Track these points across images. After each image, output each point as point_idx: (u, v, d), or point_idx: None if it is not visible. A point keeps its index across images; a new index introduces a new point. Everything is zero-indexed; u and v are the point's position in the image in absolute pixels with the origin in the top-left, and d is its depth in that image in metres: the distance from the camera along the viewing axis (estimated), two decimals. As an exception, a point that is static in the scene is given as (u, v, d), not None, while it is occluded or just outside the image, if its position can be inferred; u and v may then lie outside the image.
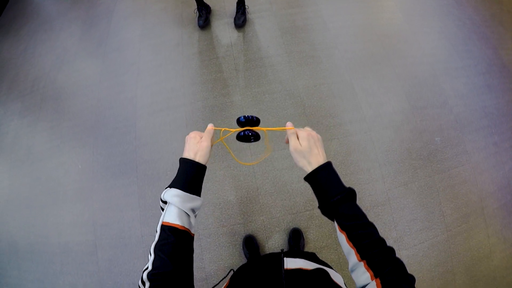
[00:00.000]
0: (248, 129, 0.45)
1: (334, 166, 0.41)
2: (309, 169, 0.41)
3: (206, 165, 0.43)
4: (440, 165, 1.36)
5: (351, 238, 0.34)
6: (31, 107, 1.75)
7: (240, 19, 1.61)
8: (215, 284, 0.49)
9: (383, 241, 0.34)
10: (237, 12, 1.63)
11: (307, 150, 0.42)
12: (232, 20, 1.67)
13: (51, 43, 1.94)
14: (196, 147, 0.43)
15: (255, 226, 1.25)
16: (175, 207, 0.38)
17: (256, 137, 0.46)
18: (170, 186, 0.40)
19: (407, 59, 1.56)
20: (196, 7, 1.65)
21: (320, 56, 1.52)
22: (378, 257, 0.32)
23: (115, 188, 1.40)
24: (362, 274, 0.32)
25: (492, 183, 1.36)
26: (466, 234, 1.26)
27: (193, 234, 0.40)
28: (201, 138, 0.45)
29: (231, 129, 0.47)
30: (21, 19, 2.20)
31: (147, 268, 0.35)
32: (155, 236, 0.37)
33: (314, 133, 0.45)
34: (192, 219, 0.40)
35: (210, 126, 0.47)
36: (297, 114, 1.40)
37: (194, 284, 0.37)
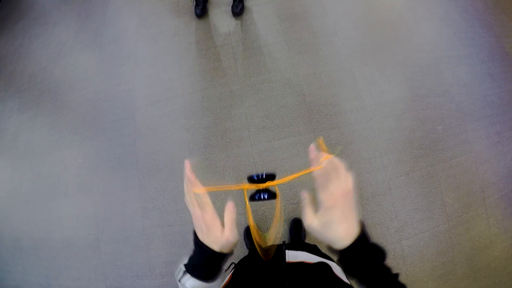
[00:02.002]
0: (264, 191, 0.37)
1: (366, 230, 0.32)
2: (339, 245, 0.31)
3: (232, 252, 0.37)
4: (442, 154, 1.34)
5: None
6: (29, 102, 1.74)
7: (238, 7, 1.57)
8: None
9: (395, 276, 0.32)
10: (234, 0, 1.60)
11: (333, 219, 0.31)
12: (230, 8, 1.64)
13: (46, 37, 1.92)
14: (220, 241, 0.34)
15: (256, 216, 1.25)
16: None
17: (272, 197, 0.38)
18: (188, 269, 0.35)
19: (409, 46, 1.53)
20: (192, -4, 1.62)
21: (320, 44, 1.49)
22: None
23: (116, 181, 1.40)
24: None
25: (493, 173, 1.35)
26: (467, 224, 1.26)
27: None
28: (221, 224, 0.35)
29: (243, 187, 0.37)
30: (16, 14, 2.16)
31: None
32: None
33: (343, 183, 0.32)
34: None
35: (231, 212, 0.36)
36: (297, 102, 1.38)
37: None
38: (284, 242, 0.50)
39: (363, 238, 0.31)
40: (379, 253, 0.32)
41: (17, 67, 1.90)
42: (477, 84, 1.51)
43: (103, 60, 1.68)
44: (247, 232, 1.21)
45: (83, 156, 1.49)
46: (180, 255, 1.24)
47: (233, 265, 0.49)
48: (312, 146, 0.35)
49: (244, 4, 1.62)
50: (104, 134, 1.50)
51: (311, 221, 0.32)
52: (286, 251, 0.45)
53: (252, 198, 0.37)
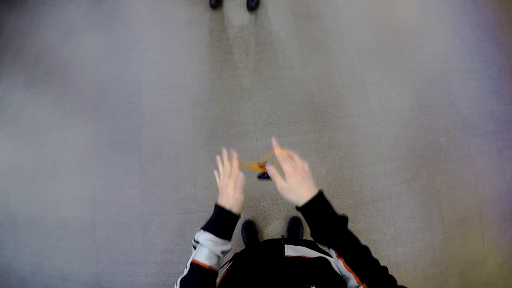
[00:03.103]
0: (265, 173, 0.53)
1: (325, 194, 0.42)
2: (302, 202, 0.40)
3: (239, 215, 0.47)
4: (443, 166, 1.35)
5: (349, 263, 0.36)
6: (35, 79, 1.73)
7: (253, 1, 1.56)
8: None
9: (377, 262, 0.37)
10: (250, -7, 1.59)
11: (295, 186, 0.41)
12: (245, 1, 1.63)
13: (57, 15, 1.90)
14: (232, 201, 0.46)
15: (255, 211, 1.25)
16: (207, 249, 0.42)
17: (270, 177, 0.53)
18: (204, 228, 0.44)
19: (419, 55, 1.54)
20: (208, -14, 1.61)
21: (332, 44, 1.49)
22: (376, 277, 0.35)
23: (117, 165, 1.39)
24: None
25: (492, 190, 1.36)
26: (462, 237, 1.27)
27: (217, 270, 0.43)
28: (234, 189, 0.47)
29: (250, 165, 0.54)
30: (27, -10, 2.14)
31: None
32: (184, 271, 0.41)
33: (299, 164, 0.44)
34: (221, 260, 0.44)
35: (241, 180, 0.48)
36: (304, 101, 1.38)
37: None
38: (283, 236, 0.50)
39: (320, 196, 0.41)
40: (336, 214, 0.40)
41: (25, 43, 1.88)
42: (484, 99, 1.52)
43: (113, 42, 1.66)
44: (245, 228, 1.21)
45: (85, 138, 1.48)
46: (176, 245, 1.23)
47: (232, 260, 0.50)
48: (274, 141, 0.48)
49: (260, -2, 1.61)
50: (108, 117, 1.49)
51: (281, 183, 0.42)
52: (285, 245, 0.46)
53: (258, 177, 0.52)
